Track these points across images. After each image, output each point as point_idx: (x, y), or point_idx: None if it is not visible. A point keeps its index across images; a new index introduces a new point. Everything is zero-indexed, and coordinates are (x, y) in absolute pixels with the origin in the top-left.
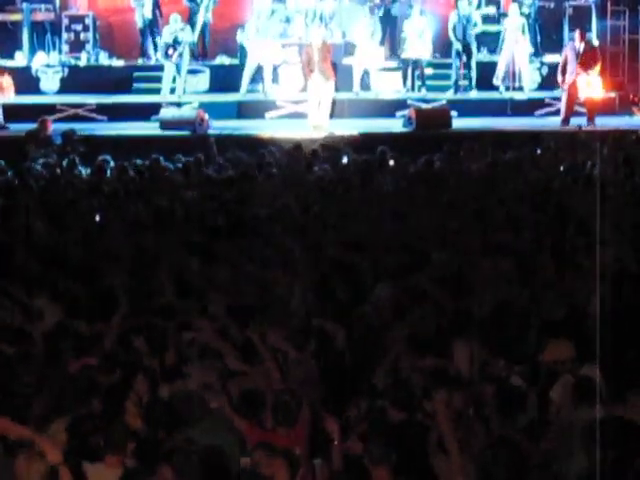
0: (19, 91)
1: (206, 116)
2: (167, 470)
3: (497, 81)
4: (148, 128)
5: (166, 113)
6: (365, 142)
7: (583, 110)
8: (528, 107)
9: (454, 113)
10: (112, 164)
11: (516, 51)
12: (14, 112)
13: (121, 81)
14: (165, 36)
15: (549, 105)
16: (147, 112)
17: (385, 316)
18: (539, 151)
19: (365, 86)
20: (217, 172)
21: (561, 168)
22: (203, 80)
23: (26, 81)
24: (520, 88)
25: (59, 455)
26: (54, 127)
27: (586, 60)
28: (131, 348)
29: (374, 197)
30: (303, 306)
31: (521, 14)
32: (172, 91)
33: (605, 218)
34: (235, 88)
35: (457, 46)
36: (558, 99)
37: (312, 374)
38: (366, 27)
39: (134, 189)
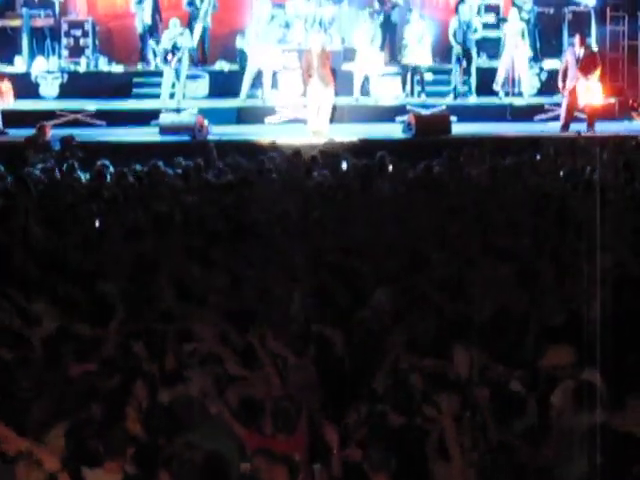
0: (18, 96)
1: (205, 121)
2: (166, 476)
3: (497, 87)
4: (147, 134)
5: (165, 118)
6: (365, 148)
7: (583, 116)
8: (527, 113)
9: (454, 118)
10: (111, 169)
11: (516, 56)
12: (13, 117)
13: (120, 86)
14: (164, 41)
15: (549, 111)
16: (146, 117)
17: (384, 321)
18: (539, 157)
19: (365, 92)
20: (217, 177)
21: (561, 173)
22: (202, 85)
23: (25, 86)
24: (519, 94)
25: (57, 463)
26: (54, 132)
27: (586, 65)
28: (131, 353)
29: (374, 202)
30: (302, 311)
31: (521, 19)
32: (171, 96)
33: (605, 223)
34: (234, 94)
35: (457, 51)
36: (557, 105)
37: (312, 380)
38: (366, 33)
39: (133, 194)
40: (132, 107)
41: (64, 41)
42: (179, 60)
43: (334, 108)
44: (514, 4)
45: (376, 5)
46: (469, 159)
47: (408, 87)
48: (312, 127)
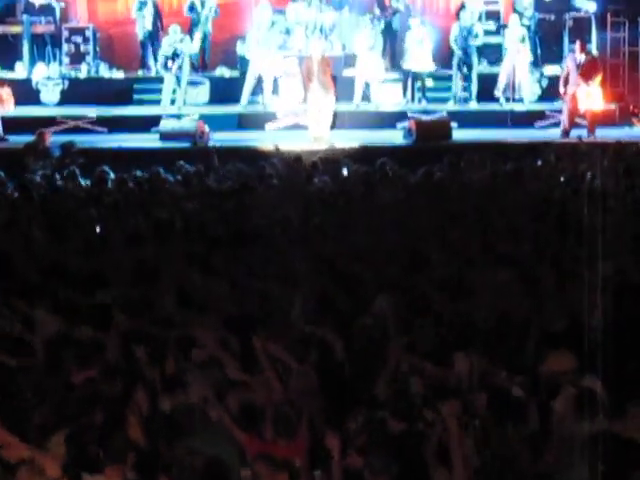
0: (19, 103)
1: (206, 128)
2: None
3: (498, 93)
4: (148, 140)
5: (166, 125)
6: (365, 154)
7: (583, 122)
8: (528, 119)
9: (454, 125)
10: (112, 176)
11: (517, 62)
12: (14, 124)
13: (121, 93)
14: (164, 48)
15: (549, 117)
16: (147, 124)
17: (385, 327)
18: (539, 162)
19: (365, 98)
20: (218, 183)
21: (562, 179)
22: (203, 92)
23: (26, 93)
24: (520, 100)
25: (58, 470)
26: (54, 139)
27: (587, 71)
28: (131, 359)
29: (374, 208)
30: (303, 317)
31: (521, 25)
32: (172, 103)
33: (606, 229)
34: (235, 100)
35: (458, 57)
36: (558, 111)
37: (312, 385)
38: (367, 39)
39: (134, 200)
40: (133, 113)
41: (65, 48)
42: (179, 66)
43: (335, 114)
44: (515, 10)
45: (377, 11)
46: (470, 165)
47: (409, 93)
48: (313, 133)
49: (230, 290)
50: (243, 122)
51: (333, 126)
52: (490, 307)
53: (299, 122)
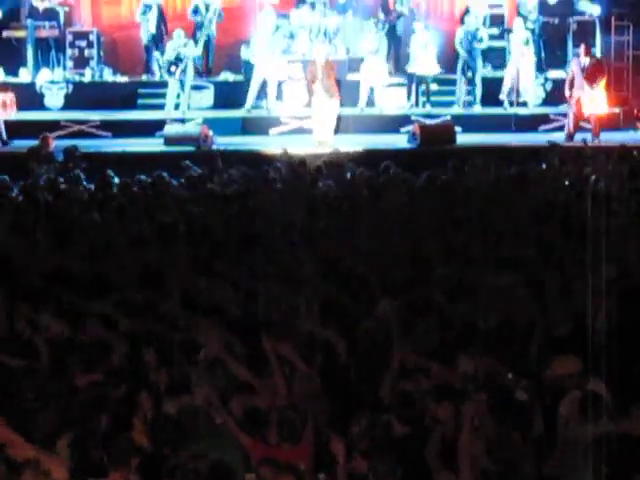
0: (24, 107)
1: (210, 132)
2: None
3: (503, 96)
4: (152, 144)
5: (170, 129)
6: (369, 158)
7: (588, 126)
8: (532, 123)
9: (458, 129)
10: (116, 180)
11: (521, 65)
12: (18, 128)
13: (125, 97)
14: (168, 52)
15: (553, 121)
16: (151, 128)
17: (389, 330)
18: (544, 166)
19: (369, 102)
20: (222, 187)
21: (566, 182)
22: (207, 96)
23: (30, 97)
24: (524, 104)
25: (65, 473)
26: (59, 143)
27: (591, 74)
28: (136, 363)
29: (379, 212)
30: (309, 321)
31: (526, 29)
32: (176, 107)
33: (611, 232)
34: (239, 104)
35: (463, 60)
36: (562, 115)
37: (317, 389)
38: (371, 43)
39: (138, 205)
40: (137, 118)
41: (69, 52)
42: (183, 71)
43: (339, 118)
44: (519, 14)
45: (381, 15)
46: (474, 169)
47: (413, 97)
48: (317, 137)
49: (236, 294)
50: (247, 126)
51: (337, 130)
52: (494, 310)
53: (303, 126)
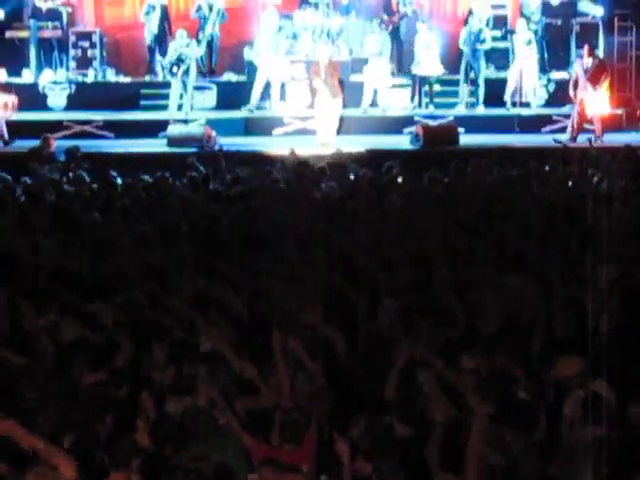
0: (26, 108)
1: (213, 133)
2: None
3: (507, 97)
4: (155, 145)
5: (173, 130)
6: (372, 159)
7: (591, 127)
8: (535, 123)
9: (461, 130)
10: (119, 181)
11: (524, 66)
12: (21, 129)
13: (128, 98)
14: (170, 53)
15: (556, 122)
16: (154, 129)
17: (393, 331)
18: (547, 167)
19: (373, 103)
20: (225, 187)
21: (569, 183)
22: (210, 97)
23: (33, 98)
24: (527, 104)
25: (73, 471)
26: (62, 144)
27: (594, 75)
28: (142, 364)
29: (382, 213)
30: (312, 320)
31: (528, 29)
32: (179, 108)
33: (614, 233)
34: (242, 105)
35: (465, 62)
36: (565, 116)
37: (321, 389)
38: (374, 45)
39: (142, 205)
40: (140, 118)
41: (72, 52)
42: (185, 71)
43: (342, 119)
44: (522, 15)
45: (384, 16)
46: (476, 170)
47: (416, 98)
48: (320, 138)
49: (238, 293)
50: (250, 127)
51: (340, 131)
52: (497, 311)
53: (306, 127)
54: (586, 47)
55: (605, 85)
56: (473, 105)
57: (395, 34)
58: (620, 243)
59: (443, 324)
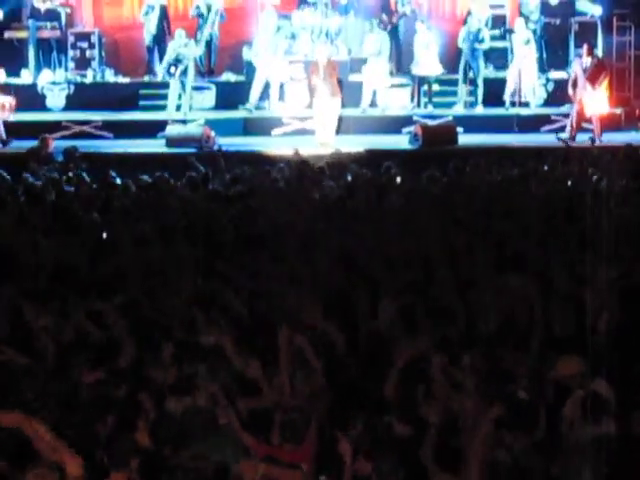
0: (25, 108)
1: (212, 133)
2: None
3: (507, 97)
4: (154, 145)
5: (172, 130)
6: (371, 159)
7: (590, 126)
8: (534, 123)
9: (460, 130)
10: (118, 181)
11: (523, 66)
12: (20, 129)
13: (127, 98)
14: (169, 52)
15: (555, 121)
16: (153, 129)
17: (393, 331)
18: (546, 167)
19: (372, 103)
20: (224, 187)
21: (569, 183)
22: (209, 97)
23: (32, 98)
24: (526, 104)
25: (80, 468)
26: (60, 144)
27: (593, 74)
28: (142, 363)
29: (380, 213)
30: (312, 319)
31: (527, 28)
32: (178, 108)
33: (614, 232)
34: (241, 105)
35: (464, 62)
36: (564, 115)
37: (321, 388)
38: (373, 45)
39: (141, 205)
40: (139, 119)
41: (70, 53)
42: (183, 72)
43: (340, 119)
44: (521, 14)
45: (383, 16)
46: (475, 170)
47: (415, 98)
48: (319, 138)
49: (239, 292)
50: (249, 127)
51: (339, 131)
52: (497, 310)
53: (305, 127)
54: (585, 46)
55: (604, 84)
56: (472, 105)
57: (394, 34)
58: (620, 242)
59: (443, 322)
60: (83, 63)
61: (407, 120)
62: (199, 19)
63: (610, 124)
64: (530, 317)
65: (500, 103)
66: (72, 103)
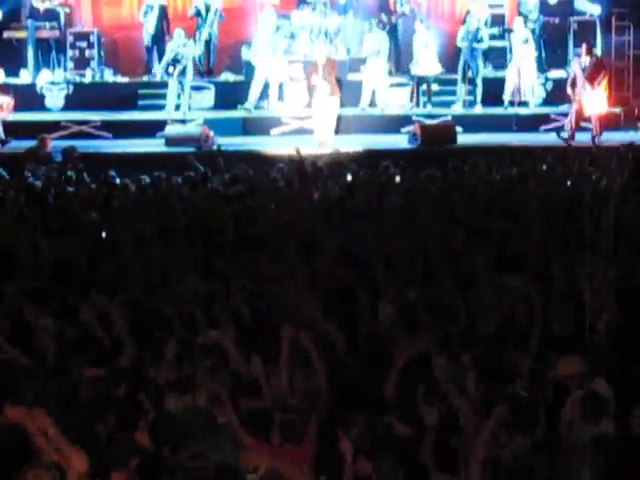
0: (24, 108)
1: (211, 133)
2: None
3: (506, 97)
4: (153, 145)
5: (171, 130)
6: (370, 158)
7: (589, 126)
8: (533, 122)
9: (459, 129)
10: (117, 181)
11: (522, 65)
12: (19, 129)
13: (126, 98)
14: (167, 52)
15: (554, 120)
16: (152, 129)
17: (393, 331)
18: (545, 166)
19: (371, 102)
20: (224, 187)
21: (568, 182)
22: (208, 97)
23: (31, 98)
24: (525, 104)
25: (85, 464)
26: (59, 144)
27: (592, 73)
28: (141, 363)
29: (379, 213)
30: (313, 318)
31: (526, 28)
32: (177, 108)
33: (613, 232)
34: (240, 105)
35: (463, 61)
36: (563, 115)
37: (322, 388)
38: (372, 44)
39: (140, 205)
40: (138, 118)
41: (69, 53)
42: (181, 71)
43: (339, 118)
44: (520, 13)
45: (382, 16)
46: (474, 169)
47: (414, 97)
48: (318, 138)
49: (240, 292)
50: (248, 127)
51: (338, 130)
52: (496, 311)
53: (304, 127)
54: (584, 46)
55: (603, 84)
56: (471, 104)
57: (393, 33)
58: (620, 243)
59: (443, 322)
60: (82, 63)
61: (406, 119)
62: (198, 19)
63: (609, 123)
64: (530, 317)
65: (499, 102)
66: (71, 103)
